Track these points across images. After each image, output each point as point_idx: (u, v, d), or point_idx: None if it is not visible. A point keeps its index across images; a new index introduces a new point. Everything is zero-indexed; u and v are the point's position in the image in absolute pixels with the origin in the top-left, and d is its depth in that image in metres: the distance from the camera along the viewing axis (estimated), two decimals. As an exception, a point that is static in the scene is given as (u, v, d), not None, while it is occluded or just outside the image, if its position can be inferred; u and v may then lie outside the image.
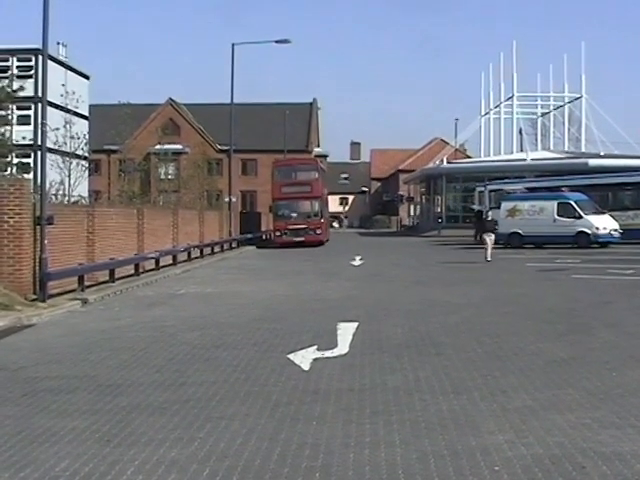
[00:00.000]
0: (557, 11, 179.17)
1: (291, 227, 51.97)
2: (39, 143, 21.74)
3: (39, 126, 21.84)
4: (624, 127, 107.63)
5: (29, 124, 53.04)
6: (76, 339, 14.94)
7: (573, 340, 13.48)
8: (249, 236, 55.24)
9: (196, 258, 37.40)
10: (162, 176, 76.51)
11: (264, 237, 61.17)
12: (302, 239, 51.38)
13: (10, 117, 49.34)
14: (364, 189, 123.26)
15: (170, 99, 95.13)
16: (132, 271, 27.63)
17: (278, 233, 52.82)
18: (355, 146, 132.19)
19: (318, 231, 52.53)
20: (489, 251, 33.07)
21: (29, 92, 51.29)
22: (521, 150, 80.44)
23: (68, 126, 44.80)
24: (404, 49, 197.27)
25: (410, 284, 24.84)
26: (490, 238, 33.54)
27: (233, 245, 50.06)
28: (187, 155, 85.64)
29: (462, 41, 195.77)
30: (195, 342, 14.04)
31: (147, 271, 29.26)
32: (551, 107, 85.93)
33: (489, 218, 34.97)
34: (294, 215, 52.49)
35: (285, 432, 8.10)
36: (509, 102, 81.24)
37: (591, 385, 9.97)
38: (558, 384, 10.07)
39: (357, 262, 35.02)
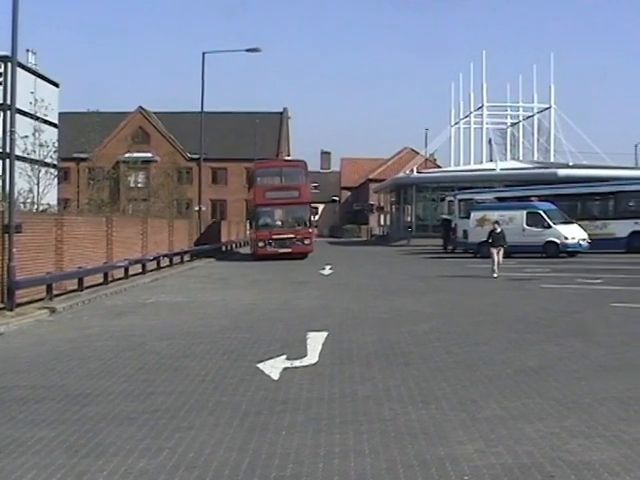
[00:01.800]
0: (526, 22, 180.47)
1: (276, 237, 46.23)
2: (7, 151, 21.53)
3: (7, 134, 21.65)
4: (593, 138, 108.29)
5: (-3, 132, 52.68)
6: (44, 348, 14.84)
7: (542, 349, 13.53)
8: (206, 247, 49.71)
9: (165, 267, 37.27)
10: (132, 184, 76.35)
11: (225, 248, 58.37)
12: (289, 250, 46.11)
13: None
14: (334, 198, 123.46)
15: (140, 107, 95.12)
16: (101, 280, 27.49)
17: (261, 243, 46.40)
18: (325, 155, 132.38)
19: (306, 241, 46.98)
20: (495, 266, 29.74)
21: (-3, 99, 50.96)
22: (490, 160, 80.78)
23: (37, 134, 44.48)
24: (374, 59, 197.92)
25: (379, 293, 24.86)
26: (498, 252, 30.17)
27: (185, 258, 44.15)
28: (157, 163, 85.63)
29: (432, 51, 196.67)
30: (164, 351, 13.98)
31: (116, 280, 29.12)
32: (520, 117, 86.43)
33: (498, 230, 31.02)
34: (279, 223, 47.21)
35: (254, 442, 8.08)
36: (479, 112, 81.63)
37: (560, 394, 10.00)
38: (527, 393, 10.10)
39: (327, 271, 35.02)
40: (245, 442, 8.08)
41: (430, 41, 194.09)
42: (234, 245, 64.89)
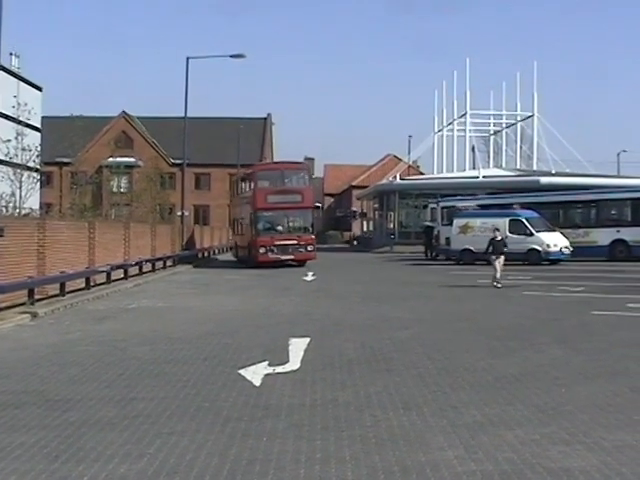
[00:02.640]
0: (510, 30, 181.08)
1: (278, 243, 43.67)
2: (-10, 155, 21.51)
3: (-10, 138, 21.62)
4: (575, 145, 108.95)
5: (-20, 136, 52.42)
6: (25, 353, 14.78)
7: (523, 356, 13.58)
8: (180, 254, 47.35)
9: (148, 272, 37.17)
10: (114, 189, 76.29)
11: (201, 255, 56.34)
12: (291, 257, 44.15)
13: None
14: (317, 204, 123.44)
15: (123, 112, 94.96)
16: (83, 285, 27.40)
17: (262, 250, 43.43)
18: (309, 161, 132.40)
19: (309, 247, 44.59)
20: (498, 275, 28.24)
21: (-20, 103, 50.72)
22: (473, 167, 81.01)
23: (20, 138, 44.25)
24: (358, 66, 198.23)
25: (362, 299, 24.89)
26: (499, 261, 28.63)
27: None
28: (140, 168, 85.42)
29: (416, 58, 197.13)
30: (146, 357, 13.95)
31: (98, 285, 29.03)
32: (503, 125, 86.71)
33: (498, 238, 29.48)
34: (280, 229, 44.59)
35: (235, 448, 8.07)
36: (462, 119, 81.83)
37: (540, 401, 10.04)
38: (508, 400, 10.14)
39: (309, 277, 35.03)
40: (226, 448, 8.08)
41: (414, 48, 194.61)
42: (215, 251, 64.39)
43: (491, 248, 29.25)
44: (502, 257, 28.88)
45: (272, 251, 43.66)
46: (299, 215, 45.70)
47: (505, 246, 29.57)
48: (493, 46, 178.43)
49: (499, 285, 27.79)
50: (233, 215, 56.27)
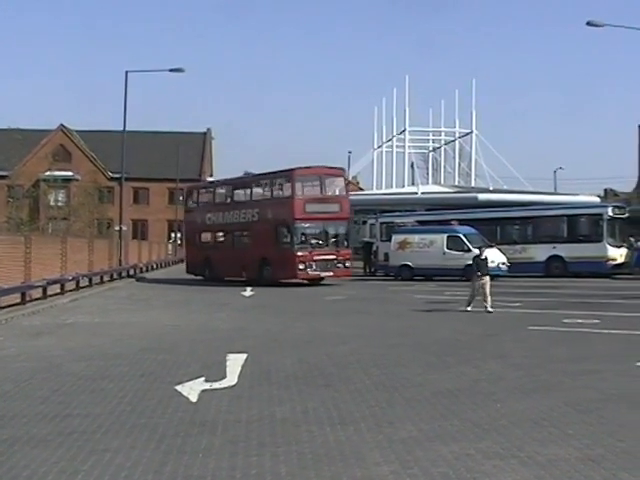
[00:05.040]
0: (449, 47, 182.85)
1: (318, 258, 39.10)
2: None
3: None
4: (512, 163, 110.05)
5: None
6: (-43, 369, 14.56)
7: (460, 372, 13.66)
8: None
9: (85, 287, 36.81)
10: (52, 203, 75.66)
11: (139, 270, 53.66)
12: (330, 274, 39.79)
13: None
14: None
15: (61, 125, 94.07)
16: (18, 300, 27.03)
17: (302, 266, 38.76)
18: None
19: (347, 263, 40.58)
20: (488, 299, 24.72)
21: None
22: (412, 183, 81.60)
23: (-45, 151, 43.88)
24: (299, 81, 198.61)
25: (300, 315, 24.89)
26: (480, 283, 24.92)
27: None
28: (78, 182, 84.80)
29: (356, 74, 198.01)
30: (81, 373, 13.81)
31: (34, 300, 28.67)
32: (442, 142, 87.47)
33: (483, 256, 25.61)
34: (315, 242, 39.82)
35: (171, 464, 8.02)
36: (401, 136, 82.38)
37: (476, 416, 10.11)
38: (444, 415, 10.20)
39: (248, 293, 34.93)
40: (162, 465, 8.02)
41: (355, 65, 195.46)
42: (153, 266, 63.33)
43: (475, 267, 25.36)
44: (487, 277, 25.21)
45: (311, 267, 39.17)
46: (337, 227, 40.78)
47: (484, 267, 25.34)
48: (432, 63, 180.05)
49: (469, 308, 24.87)
50: (196, 227, 49.51)
